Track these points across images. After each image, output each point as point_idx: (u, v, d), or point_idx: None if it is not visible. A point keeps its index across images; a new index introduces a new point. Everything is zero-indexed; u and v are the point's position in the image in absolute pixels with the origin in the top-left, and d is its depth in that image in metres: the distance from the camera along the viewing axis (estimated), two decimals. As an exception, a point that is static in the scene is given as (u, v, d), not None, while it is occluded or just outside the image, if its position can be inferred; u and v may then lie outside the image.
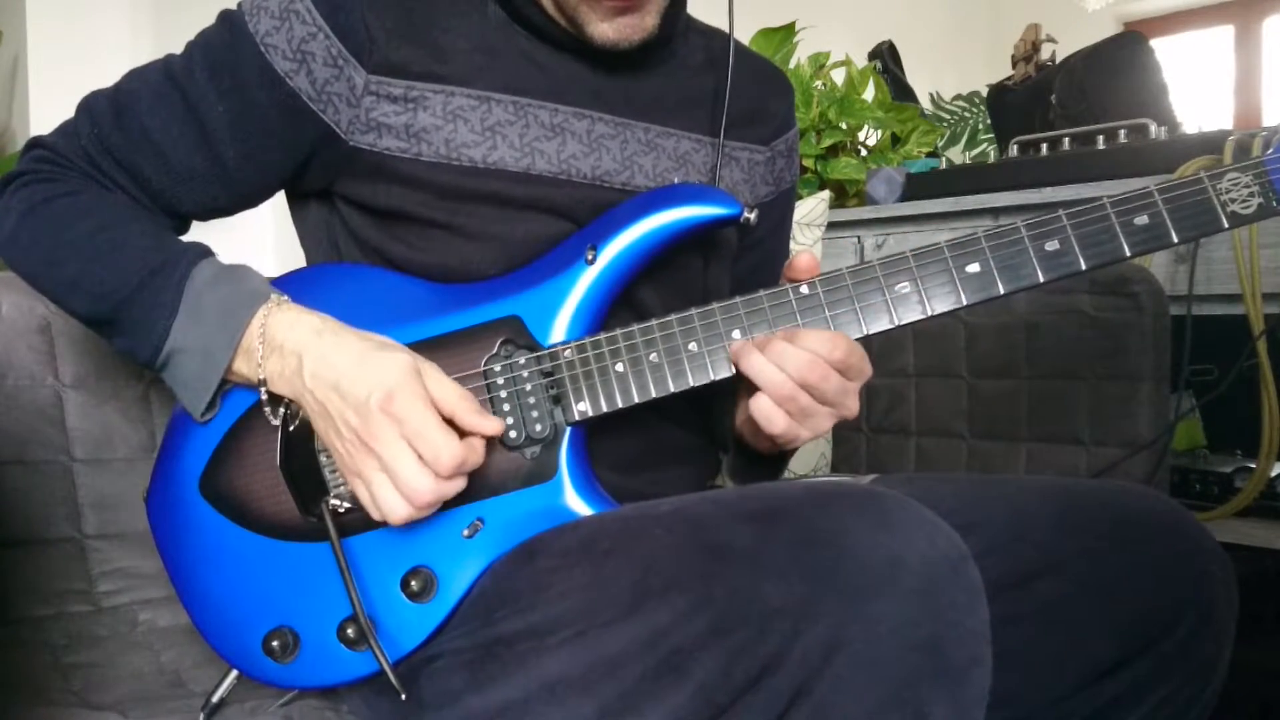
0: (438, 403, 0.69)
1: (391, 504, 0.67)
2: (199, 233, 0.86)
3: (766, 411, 0.74)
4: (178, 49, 0.83)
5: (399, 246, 0.81)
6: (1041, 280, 0.74)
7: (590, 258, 0.77)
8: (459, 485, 0.69)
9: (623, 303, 0.80)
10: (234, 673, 0.78)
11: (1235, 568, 0.78)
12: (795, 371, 0.72)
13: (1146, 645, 0.76)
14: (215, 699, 0.78)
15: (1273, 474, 1.42)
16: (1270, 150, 0.74)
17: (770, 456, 0.88)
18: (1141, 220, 0.73)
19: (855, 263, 0.76)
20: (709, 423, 0.92)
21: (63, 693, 0.85)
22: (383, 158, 0.79)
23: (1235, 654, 0.78)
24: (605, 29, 0.80)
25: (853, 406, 0.76)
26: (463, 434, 0.69)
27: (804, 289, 0.75)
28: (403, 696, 0.70)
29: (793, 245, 1.37)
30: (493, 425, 0.71)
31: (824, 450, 1.40)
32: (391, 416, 0.67)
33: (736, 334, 0.75)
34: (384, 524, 0.73)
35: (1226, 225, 0.73)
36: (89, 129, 0.80)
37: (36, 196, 0.79)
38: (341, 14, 0.77)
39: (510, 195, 0.80)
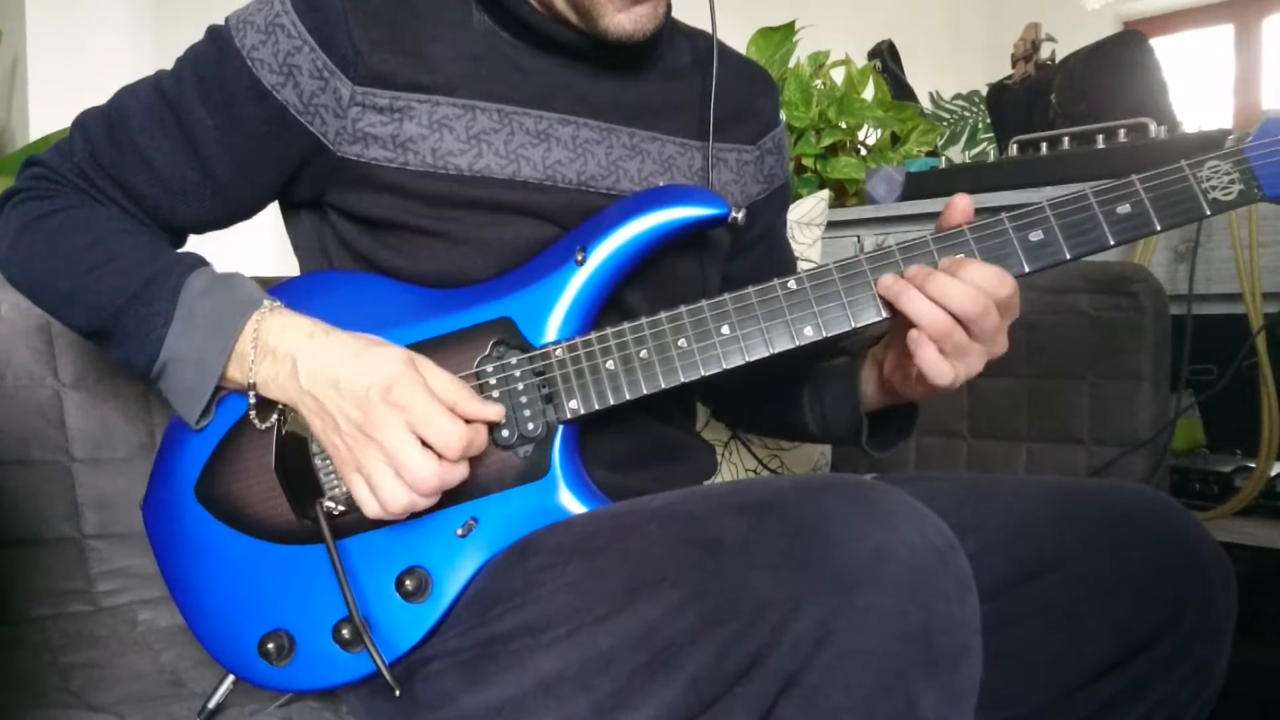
0: (436, 393, 0.69)
1: (392, 492, 0.67)
2: (197, 244, 0.86)
3: (935, 363, 0.72)
4: (176, 50, 0.84)
5: (389, 254, 0.81)
6: (1027, 270, 0.74)
7: (580, 259, 0.77)
8: (463, 471, 0.69)
9: (611, 306, 0.80)
10: (230, 677, 0.78)
11: (1235, 568, 0.78)
12: (958, 306, 0.71)
13: (1146, 644, 0.76)
14: (212, 704, 0.78)
15: (1273, 473, 1.41)
16: (1250, 139, 0.74)
17: (903, 416, 0.87)
18: (1124, 209, 0.74)
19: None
20: (824, 419, 0.90)
21: (62, 693, 0.85)
22: (370, 168, 0.79)
23: (1235, 654, 0.78)
24: (622, 20, 0.80)
25: (1004, 344, 0.75)
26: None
27: (791, 284, 0.75)
28: (396, 693, 0.70)
29: (791, 245, 1.36)
30: (494, 411, 0.72)
31: (824, 450, 1.40)
32: (394, 405, 0.67)
33: (726, 330, 0.75)
34: (379, 524, 0.73)
35: (1208, 212, 0.74)
36: (83, 146, 0.81)
37: (32, 213, 0.80)
38: (327, 26, 0.77)
39: (497, 201, 0.80)
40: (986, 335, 0.73)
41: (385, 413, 0.67)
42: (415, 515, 0.72)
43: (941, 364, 0.72)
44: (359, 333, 0.74)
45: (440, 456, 0.68)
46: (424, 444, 0.67)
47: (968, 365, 0.74)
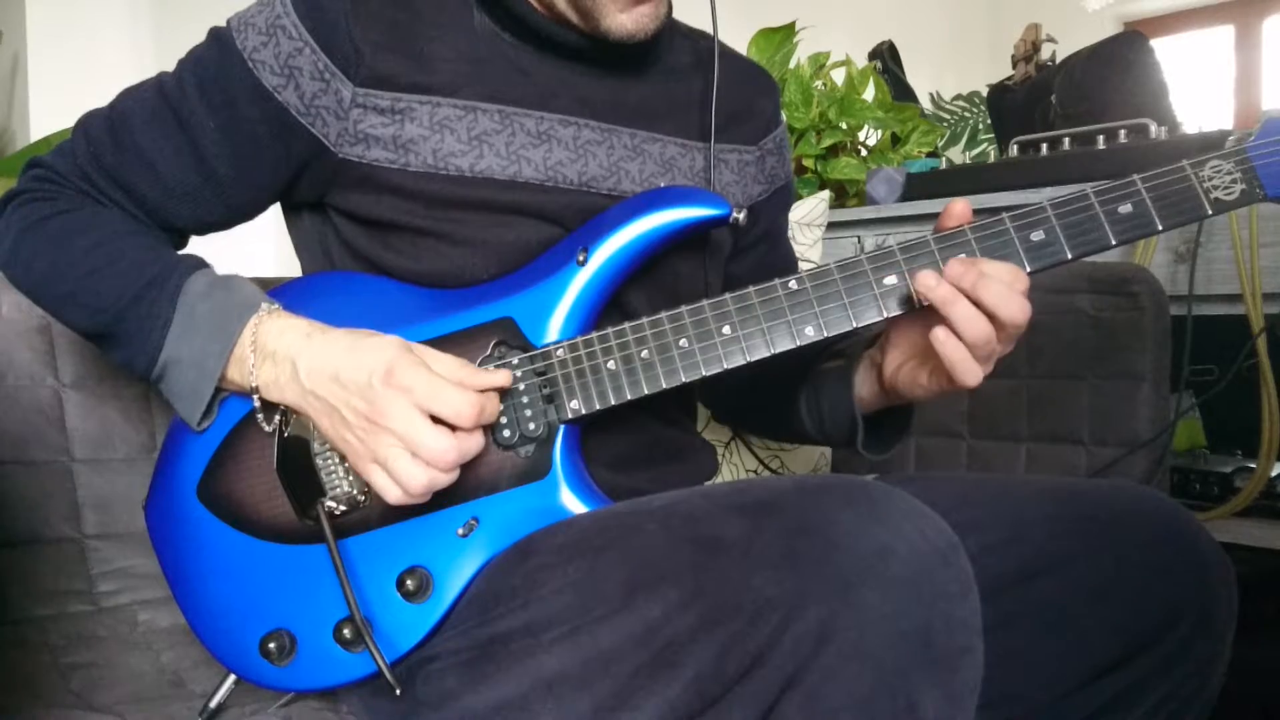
0: (438, 371, 0.69)
1: (411, 474, 0.67)
2: (200, 245, 0.86)
3: (968, 365, 0.72)
4: (177, 50, 0.84)
5: (391, 255, 0.82)
6: (1028, 270, 0.74)
7: (582, 260, 0.77)
8: (478, 440, 0.70)
9: (612, 306, 0.80)
10: (232, 677, 0.78)
11: (1235, 568, 0.78)
12: (1007, 314, 0.70)
13: (1146, 644, 0.76)
14: (213, 704, 0.78)
15: (1273, 474, 1.41)
16: (1253, 138, 0.74)
17: (898, 415, 0.88)
18: (1125, 209, 0.74)
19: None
20: (821, 421, 0.90)
21: (62, 693, 0.85)
22: (371, 169, 0.79)
23: (1235, 654, 0.78)
24: (624, 20, 0.80)
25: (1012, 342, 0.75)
26: None
27: (793, 284, 0.75)
28: (397, 693, 0.70)
29: (792, 245, 1.36)
30: (502, 378, 0.72)
31: (824, 450, 1.40)
32: (398, 388, 0.68)
33: (727, 330, 0.75)
34: (380, 523, 0.73)
35: (1210, 212, 0.73)
36: (85, 148, 0.81)
37: (34, 215, 0.80)
38: (327, 28, 0.77)
39: (498, 202, 0.80)
40: (1012, 338, 0.73)
41: (390, 397, 0.67)
42: (417, 513, 0.72)
43: (973, 364, 0.72)
44: (355, 329, 0.74)
45: (454, 429, 0.67)
46: (436, 421, 0.68)
47: (988, 364, 0.74)
